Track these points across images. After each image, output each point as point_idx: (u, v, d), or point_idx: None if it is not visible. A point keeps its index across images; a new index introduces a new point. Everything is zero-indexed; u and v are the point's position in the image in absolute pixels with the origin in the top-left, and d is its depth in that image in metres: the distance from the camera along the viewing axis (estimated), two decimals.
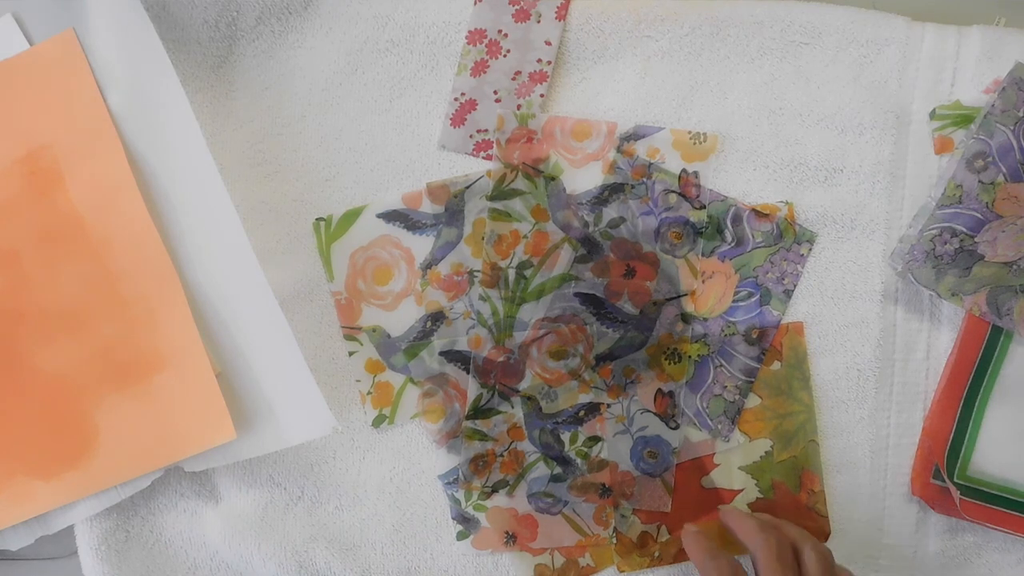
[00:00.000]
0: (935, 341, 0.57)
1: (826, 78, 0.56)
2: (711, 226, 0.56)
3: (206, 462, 0.54)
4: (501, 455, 0.57)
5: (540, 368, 0.56)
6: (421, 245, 0.57)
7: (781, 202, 0.56)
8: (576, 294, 0.56)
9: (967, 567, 0.58)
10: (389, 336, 0.57)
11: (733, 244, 0.56)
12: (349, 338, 0.57)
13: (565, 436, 0.57)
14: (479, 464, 0.57)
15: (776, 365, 0.57)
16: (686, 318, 0.56)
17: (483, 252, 0.56)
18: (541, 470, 0.57)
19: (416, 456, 0.58)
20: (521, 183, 0.56)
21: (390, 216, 0.57)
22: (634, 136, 0.56)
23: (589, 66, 0.57)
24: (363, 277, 0.57)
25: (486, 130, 0.57)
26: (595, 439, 0.57)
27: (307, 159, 0.58)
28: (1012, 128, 0.53)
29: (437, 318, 0.57)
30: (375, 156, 0.58)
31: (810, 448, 0.57)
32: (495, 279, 0.56)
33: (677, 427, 0.56)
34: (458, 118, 0.57)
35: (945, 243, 0.54)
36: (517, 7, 0.56)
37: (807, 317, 0.57)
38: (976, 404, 0.56)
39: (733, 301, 0.56)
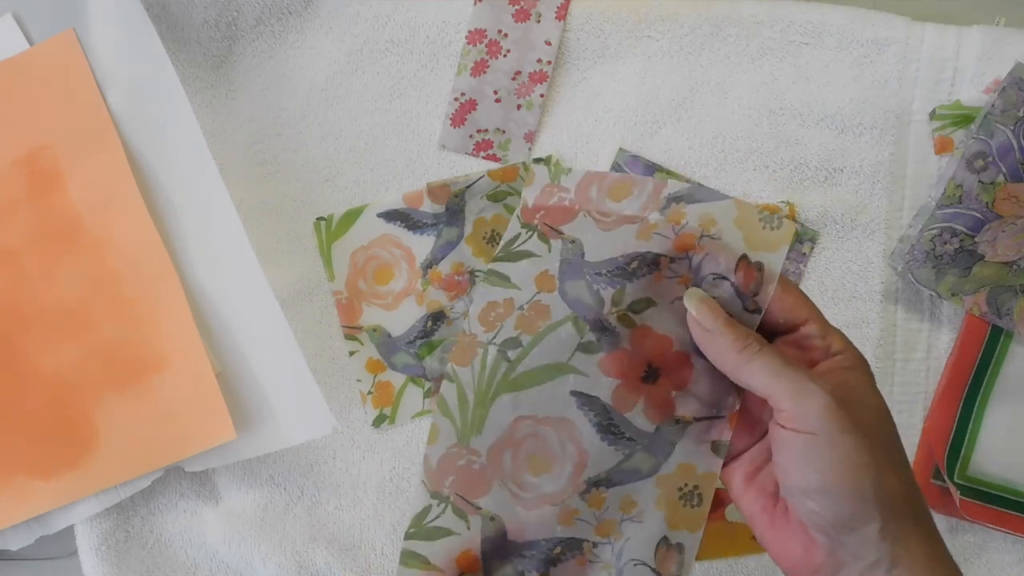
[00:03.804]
0: (935, 341, 0.57)
1: (826, 78, 0.56)
2: None
3: (206, 462, 0.54)
4: None
5: (513, 482, 0.42)
6: (422, 245, 0.57)
7: (782, 202, 0.56)
8: (574, 393, 0.41)
9: (967, 567, 0.58)
10: (390, 336, 0.57)
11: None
12: (350, 338, 0.57)
13: None
14: None
15: None
16: (718, 448, 0.41)
17: (465, 319, 0.44)
18: None
19: (416, 456, 0.57)
20: (533, 244, 0.43)
21: (391, 216, 0.57)
22: (687, 198, 0.41)
23: (589, 66, 0.57)
24: (364, 277, 0.57)
25: (486, 130, 0.57)
26: None
27: (307, 159, 0.58)
28: (1012, 128, 0.53)
29: (438, 318, 0.57)
30: (375, 156, 0.58)
31: None
32: (469, 354, 0.42)
33: None
34: (458, 118, 0.57)
35: (945, 243, 0.54)
36: (517, 7, 0.56)
37: None
38: (976, 404, 0.56)
39: None
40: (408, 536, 0.42)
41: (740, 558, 0.57)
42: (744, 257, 0.40)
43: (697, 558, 0.47)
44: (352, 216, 0.57)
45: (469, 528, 0.42)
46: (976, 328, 0.56)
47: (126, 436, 0.53)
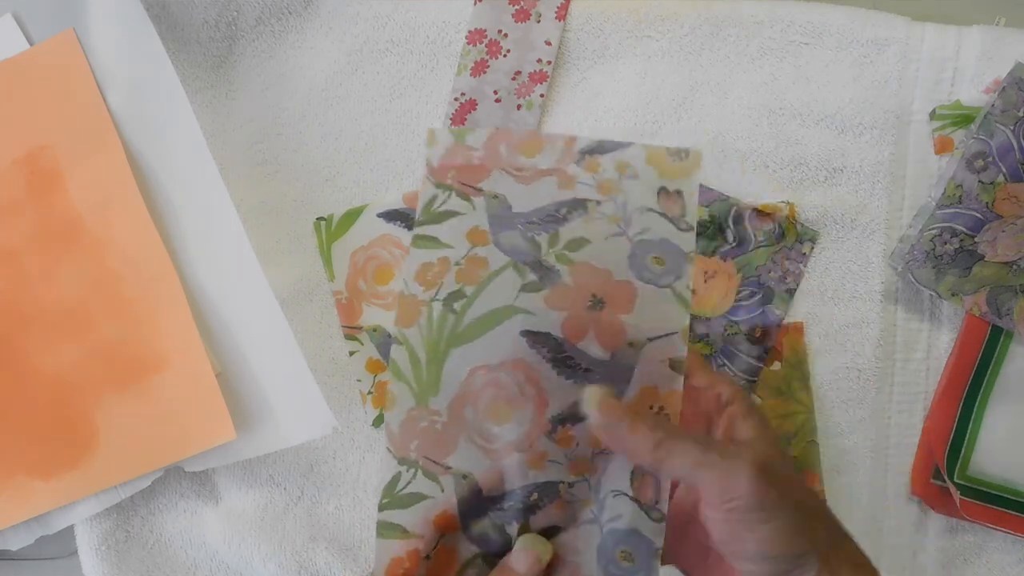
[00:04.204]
0: (935, 341, 0.57)
1: (826, 78, 0.56)
2: (712, 226, 0.56)
3: (206, 462, 0.54)
4: (427, 556, 0.41)
5: (478, 435, 0.41)
6: None
7: (782, 202, 0.56)
8: (524, 333, 0.41)
9: (967, 567, 0.58)
10: (390, 336, 0.57)
11: (735, 244, 0.56)
12: (350, 338, 0.57)
13: (512, 529, 0.41)
14: (397, 571, 0.41)
15: (776, 365, 0.57)
16: (676, 365, 0.41)
17: (400, 284, 0.43)
18: (480, 572, 0.42)
19: None
20: (455, 203, 0.43)
21: (391, 216, 0.57)
22: (598, 150, 0.44)
23: (589, 66, 0.57)
24: (364, 277, 0.57)
25: None
26: (553, 530, 0.41)
27: (307, 159, 0.58)
28: (1012, 128, 0.53)
29: None
30: (375, 156, 0.58)
31: (810, 448, 0.57)
32: (414, 314, 0.42)
33: (661, 518, 0.40)
34: (458, 118, 0.57)
35: (945, 243, 0.54)
36: (517, 7, 0.56)
37: (807, 317, 0.57)
38: (976, 404, 0.56)
39: (735, 301, 0.56)
40: (382, 507, 0.41)
41: None
42: (663, 188, 0.42)
43: None
44: (352, 216, 0.57)
45: (443, 490, 0.41)
46: (976, 328, 0.56)
47: (126, 436, 0.53)
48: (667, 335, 0.41)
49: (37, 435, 0.53)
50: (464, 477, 0.41)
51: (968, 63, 0.56)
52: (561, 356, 0.41)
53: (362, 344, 0.57)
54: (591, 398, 0.40)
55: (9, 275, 0.54)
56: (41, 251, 0.54)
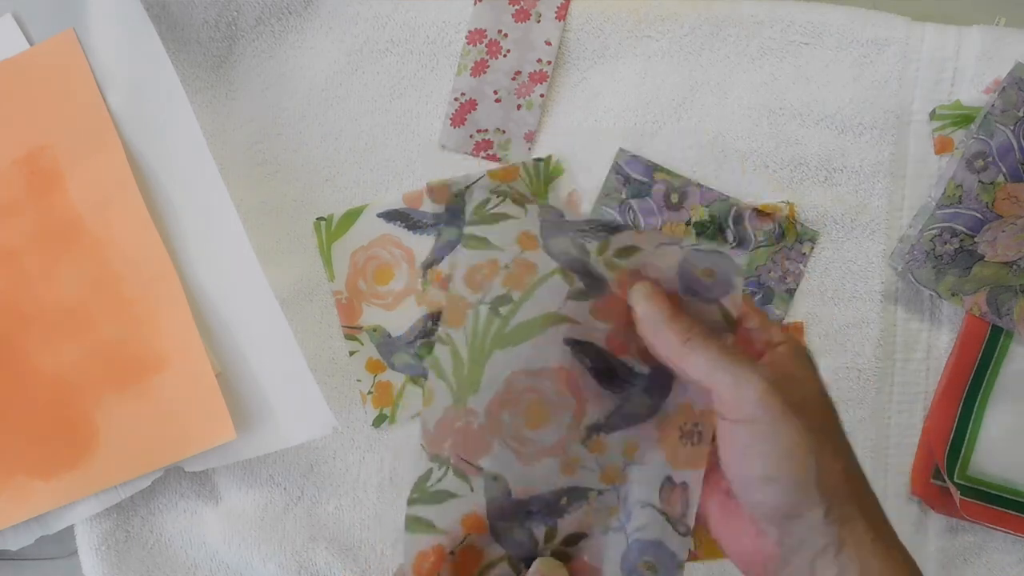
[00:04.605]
0: (935, 341, 0.57)
1: (826, 78, 0.56)
2: (712, 226, 0.56)
3: (206, 462, 0.54)
4: (452, 553, 0.41)
5: (513, 438, 0.41)
6: (422, 244, 0.57)
7: (782, 202, 0.56)
8: (567, 341, 0.41)
9: (967, 567, 0.58)
10: (390, 336, 0.57)
11: (735, 244, 0.56)
12: (350, 338, 0.57)
13: (540, 531, 0.41)
14: (423, 566, 0.41)
15: None
16: None
17: (449, 286, 0.43)
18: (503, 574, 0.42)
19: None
20: (508, 207, 0.44)
21: (391, 216, 0.57)
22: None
23: (589, 66, 0.57)
24: (364, 277, 0.57)
25: (486, 130, 0.57)
26: (579, 536, 0.42)
27: (307, 159, 0.58)
28: (1012, 128, 0.53)
29: (438, 318, 0.57)
30: (375, 156, 0.58)
31: None
32: (461, 316, 0.42)
33: (687, 532, 0.40)
34: (458, 118, 0.57)
35: (945, 243, 0.54)
36: (517, 7, 0.56)
37: (807, 317, 0.57)
38: (976, 404, 0.56)
39: None
40: (411, 501, 0.41)
41: None
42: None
43: (697, 559, 0.47)
44: (352, 216, 0.57)
45: (472, 490, 0.41)
46: (976, 328, 0.56)
47: (126, 436, 0.53)
48: None
49: (37, 435, 0.53)
50: (495, 479, 0.41)
51: (968, 63, 0.56)
52: (603, 368, 0.41)
53: (362, 344, 0.57)
54: (640, 290, 0.40)
55: (9, 275, 0.54)
56: (41, 251, 0.54)
